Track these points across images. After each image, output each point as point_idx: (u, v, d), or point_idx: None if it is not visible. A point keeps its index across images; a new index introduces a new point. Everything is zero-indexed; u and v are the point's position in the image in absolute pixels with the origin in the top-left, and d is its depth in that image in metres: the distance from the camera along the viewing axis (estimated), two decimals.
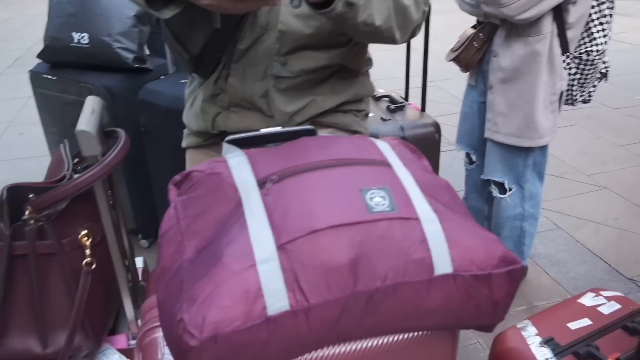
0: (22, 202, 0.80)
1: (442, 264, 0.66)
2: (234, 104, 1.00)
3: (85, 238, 0.82)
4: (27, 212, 0.78)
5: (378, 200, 0.66)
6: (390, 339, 0.74)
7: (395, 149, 0.79)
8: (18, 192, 0.80)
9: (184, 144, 1.16)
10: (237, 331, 0.60)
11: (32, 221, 0.78)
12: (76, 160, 0.95)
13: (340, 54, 0.98)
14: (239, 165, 0.72)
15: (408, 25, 0.90)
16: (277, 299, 0.61)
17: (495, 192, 1.84)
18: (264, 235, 0.63)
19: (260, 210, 0.66)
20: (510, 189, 1.80)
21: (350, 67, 1.02)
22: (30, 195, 0.79)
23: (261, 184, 0.69)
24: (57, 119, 2.09)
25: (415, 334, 0.75)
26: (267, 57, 0.95)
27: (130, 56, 1.91)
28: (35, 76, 2.07)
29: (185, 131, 1.15)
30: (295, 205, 0.65)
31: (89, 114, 0.81)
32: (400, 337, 0.75)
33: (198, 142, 1.10)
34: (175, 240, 0.69)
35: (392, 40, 0.90)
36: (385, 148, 0.77)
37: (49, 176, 0.92)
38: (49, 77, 2.01)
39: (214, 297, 0.60)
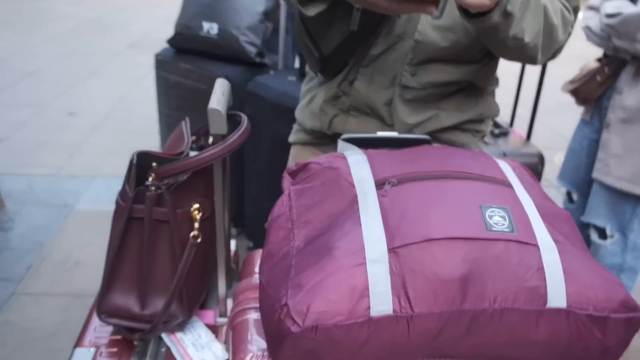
0: (144, 169, 0.84)
1: (556, 297, 0.63)
2: (354, 108, 1.01)
3: (196, 212, 0.85)
4: (150, 179, 0.82)
5: (497, 220, 0.64)
6: None
7: (516, 171, 0.76)
8: (143, 159, 0.85)
9: (291, 139, 1.18)
10: (338, 326, 0.60)
11: (153, 187, 0.82)
12: (194, 138, 0.99)
13: (472, 71, 0.96)
14: (358, 164, 0.73)
15: (552, 46, 0.87)
16: (382, 301, 0.61)
17: (595, 237, 1.73)
18: (377, 235, 0.63)
19: (376, 211, 0.65)
20: (612, 236, 1.69)
21: (478, 85, 1.00)
22: (153, 164, 0.84)
23: (379, 184, 0.68)
24: (173, 101, 2.22)
25: None
26: (397, 65, 0.94)
27: (253, 50, 1.99)
28: (160, 60, 2.20)
29: (296, 127, 1.17)
30: (412, 211, 0.64)
31: (220, 95, 0.85)
32: None
33: (307, 139, 1.12)
34: (285, 227, 0.71)
35: (532, 60, 0.88)
36: (506, 168, 0.75)
37: (169, 149, 0.97)
38: (174, 62, 2.12)
39: (321, 288, 0.61)
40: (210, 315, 0.95)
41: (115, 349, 0.86)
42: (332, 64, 0.98)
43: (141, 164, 0.85)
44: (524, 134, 1.99)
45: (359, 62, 0.96)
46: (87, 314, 0.95)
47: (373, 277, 0.61)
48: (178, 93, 2.17)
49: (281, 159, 1.98)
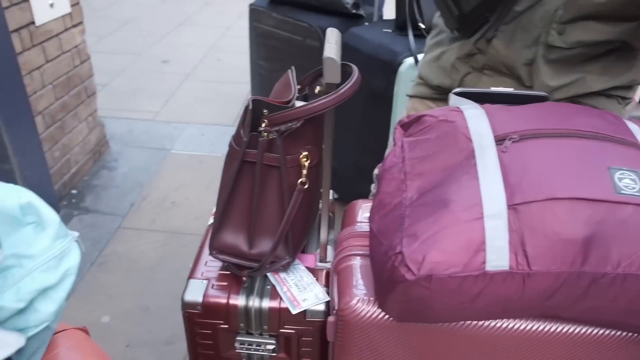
0: (256, 115, 0.87)
1: None
2: (489, 67, 0.96)
3: (305, 159, 0.88)
4: (263, 125, 0.85)
5: (628, 183, 0.61)
6: (592, 331, 0.70)
7: None
8: (255, 105, 0.88)
9: (411, 91, 1.15)
10: (453, 277, 0.61)
11: (265, 133, 0.85)
12: (299, 87, 1.01)
13: (628, 30, 0.86)
14: (475, 118, 0.71)
15: None
16: (498, 256, 0.61)
17: None
18: (496, 191, 0.62)
19: (495, 166, 0.64)
20: None
21: (634, 46, 0.90)
22: (265, 111, 0.86)
23: (499, 140, 0.67)
24: (265, 51, 2.24)
25: (620, 334, 0.70)
26: (543, 22, 0.87)
27: (350, 1, 1.97)
28: (254, 10, 2.21)
29: (417, 80, 1.13)
30: (534, 168, 0.63)
31: (334, 44, 0.85)
32: (603, 332, 0.70)
33: (428, 93, 1.09)
34: (398, 178, 0.71)
35: None
36: (637, 130, 0.71)
37: (275, 97, 0.99)
38: (268, 12, 2.13)
39: (437, 239, 0.61)
40: (310, 259, 0.99)
41: (225, 283, 0.92)
42: (471, 21, 0.92)
43: (254, 110, 0.88)
44: (636, 96, 1.85)
45: (500, 18, 0.89)
46: (198, 249, 1.02)
47: (490, 232, 0.61)
48: (271, 43, 2.19)
49: (373, 112, 1.97)
